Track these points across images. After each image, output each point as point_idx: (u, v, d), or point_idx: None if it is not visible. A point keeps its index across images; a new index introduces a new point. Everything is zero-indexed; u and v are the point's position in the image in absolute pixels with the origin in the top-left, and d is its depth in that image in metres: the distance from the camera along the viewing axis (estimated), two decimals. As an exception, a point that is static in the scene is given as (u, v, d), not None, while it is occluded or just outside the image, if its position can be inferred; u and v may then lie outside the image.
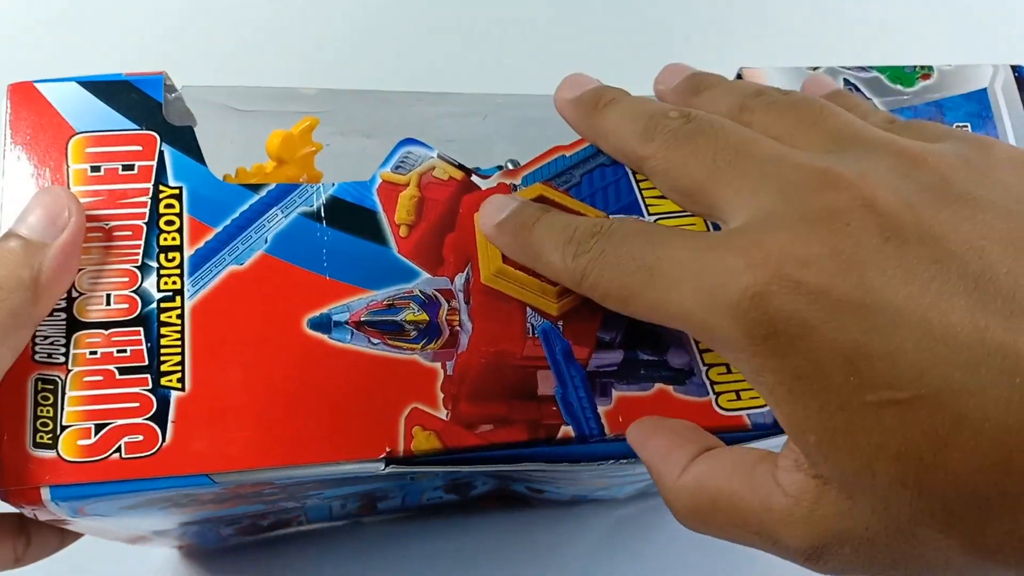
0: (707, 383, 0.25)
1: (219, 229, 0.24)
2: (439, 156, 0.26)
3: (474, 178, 0.26)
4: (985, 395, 0.16)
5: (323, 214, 0.25)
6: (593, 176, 0.26)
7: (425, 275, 0.25)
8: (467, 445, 0.23)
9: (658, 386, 0.25)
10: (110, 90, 0.25)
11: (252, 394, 0.23)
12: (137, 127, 0.25)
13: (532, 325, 0.24)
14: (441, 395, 0.24)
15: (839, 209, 0.18)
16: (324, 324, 0.24)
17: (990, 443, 0.16)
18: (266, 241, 0.24)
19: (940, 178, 0.18)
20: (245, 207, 0.25)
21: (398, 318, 0.24)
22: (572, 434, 0.24)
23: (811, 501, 0.18)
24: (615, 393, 0.24)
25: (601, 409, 0.24)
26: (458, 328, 0.24)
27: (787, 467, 0.19)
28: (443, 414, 0.23)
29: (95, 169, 0.24)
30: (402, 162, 0.26)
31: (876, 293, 0.17)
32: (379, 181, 0.25)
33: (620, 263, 0.20)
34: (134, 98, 0.25)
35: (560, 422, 0.24)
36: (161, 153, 0.25)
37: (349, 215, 0.25)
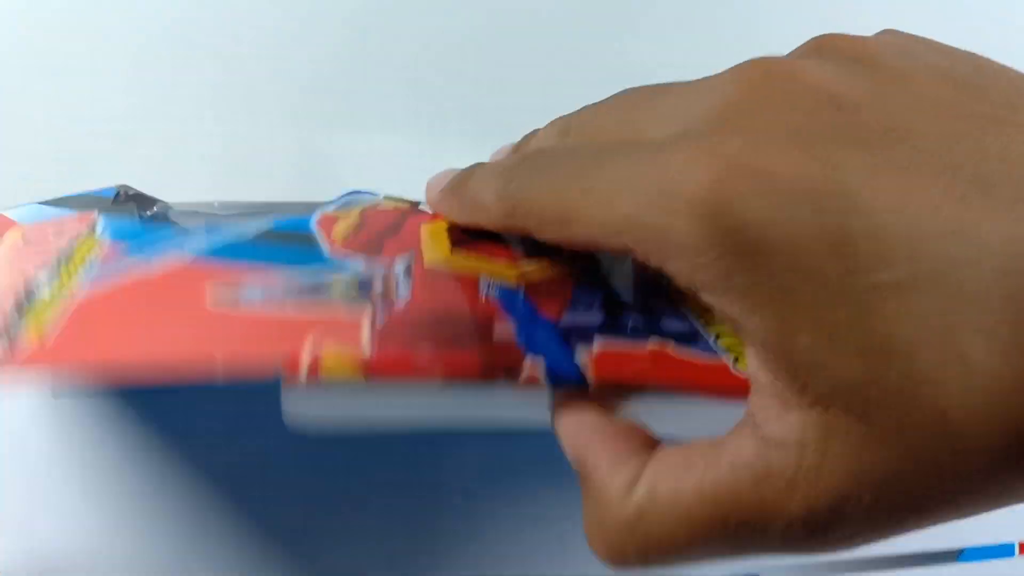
0: (716, 347, 0.19)
1: (131, 247, 0.22)
2: (385, 197, 0.24)
3: (422, 206, 0.23)
4: (981, 267, 0.13)
5: (254, 239, 0.22)
6: None
7: (361, 261, 0.21)
8: (397, 374, 0.17)
9: (654, 339, 0.19)
10: (65, 200, 0.25)
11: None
12: (80, 212, 0.24)
13: (487, 289, 0.20)
14: (367, 335, 0.18)
15: (784, 92, 0.16)
16: (230, 301, 0.20)
17: (1008, 318, 0.13)
18: (182, 251, 0.22)
19: (869, 57, 0.17)
20: (169, 237, 0.23)
21: (321, 283, 0.20)
22: (539, 375, 0.18)
23: (820, 439, 0.14)
24: (598, 341, 0.19)
25: (580, 359, 0.18)
26: (395, 297, 0.20)
27: (771, 415, 0.15)
28: (367, 351, 0.18)
29: (27, 243, 0.23)
30: (346, 204, 0.24)
31: (843, 170, 0.14)
32: (319, 215, 0.23)
33: (555, 181, 0.17)
34: (86, 199, 0.25)
35: (521, 361, 0.18)
36: (95, 220, 0.24)
37: (281, 237, 0.22)
